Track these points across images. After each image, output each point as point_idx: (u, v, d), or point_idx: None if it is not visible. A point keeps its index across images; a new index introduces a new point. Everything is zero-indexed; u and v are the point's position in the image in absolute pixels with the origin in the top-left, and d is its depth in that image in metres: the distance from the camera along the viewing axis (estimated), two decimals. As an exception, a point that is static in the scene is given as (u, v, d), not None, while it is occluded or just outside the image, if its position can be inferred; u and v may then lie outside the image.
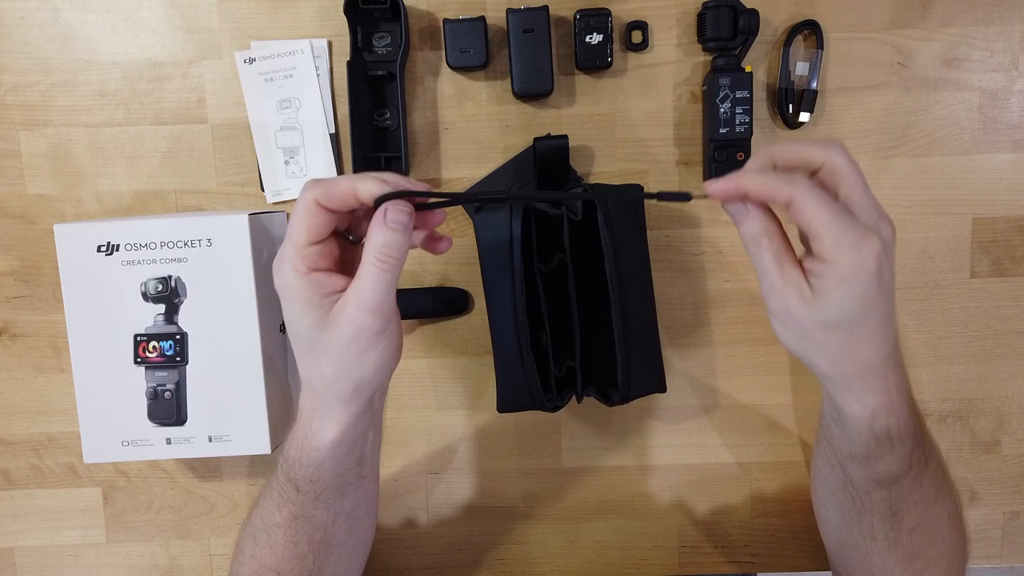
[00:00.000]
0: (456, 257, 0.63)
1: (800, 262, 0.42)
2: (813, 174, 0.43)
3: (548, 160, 0.59)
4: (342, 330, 0.43)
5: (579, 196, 0.56)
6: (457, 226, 0.63)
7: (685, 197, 0.45)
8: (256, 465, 0.65)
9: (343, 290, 0.43)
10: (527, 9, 0.58)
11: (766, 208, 0.43)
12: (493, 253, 0.55)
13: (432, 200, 0.45)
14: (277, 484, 0.49)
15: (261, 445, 0.56)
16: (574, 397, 0.58)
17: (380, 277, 0.42)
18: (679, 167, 0.62)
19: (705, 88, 0.60)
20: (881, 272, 0.40)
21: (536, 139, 0.59)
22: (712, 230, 0.63)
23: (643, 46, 0.61)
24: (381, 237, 0.42)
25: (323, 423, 0.45)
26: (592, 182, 0.62)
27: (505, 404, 0.56)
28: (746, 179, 0.42)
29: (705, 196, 0.43)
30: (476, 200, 0.52)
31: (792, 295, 0.42)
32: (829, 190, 0.42)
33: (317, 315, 0.43)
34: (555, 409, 0.57)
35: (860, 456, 0.47)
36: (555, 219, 0.56)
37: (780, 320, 0.44)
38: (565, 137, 0.58)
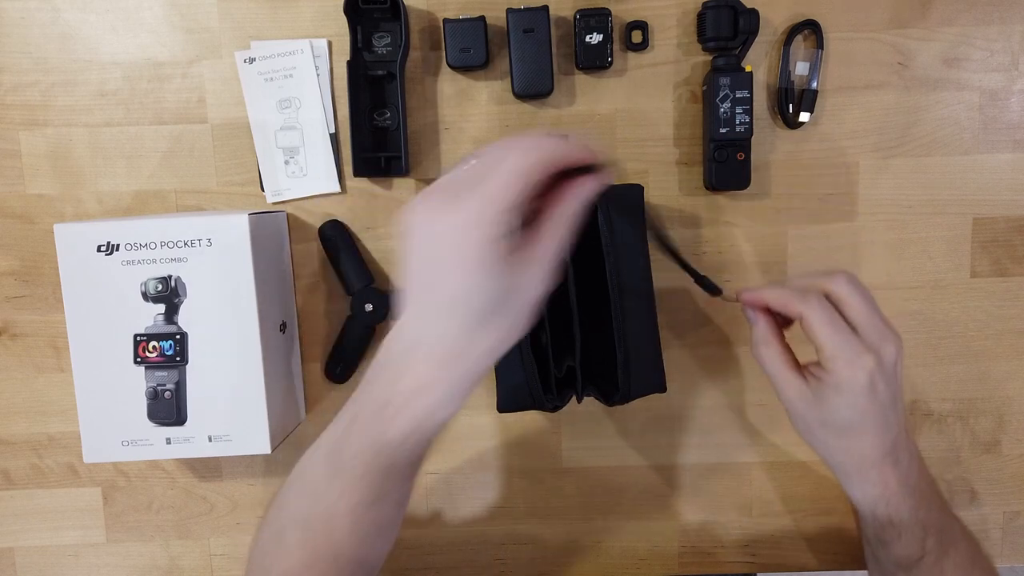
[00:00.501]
0: (456, 257, 0.63)
1: (806, 366, 0.50)
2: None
3: None
4: (522, 299, 0.40)
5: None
6: (457, 226, 0.63)
7: (717, 292, 0.57)
8: (256, 465, 0.65)
9: (514, 261, 0.40)
10: (527, 9, 0.58)
11: (776, 320, 0.52)
12: None
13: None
14: (350, 469, 0.42)
15: (261, 445, 0.56)
16: (574, 397, 0.58)
17: (560, 253, 0.41)
18: (679, 167, 0.62)
19: (705, 88, 0.60)
20: (874, 386, 0.47)
21: (536, 139, 0.59)
22: (712, 230, 0.63)
23: (643, 46, 0.61)
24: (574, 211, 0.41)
25: (452, 398, 0.41)
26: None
27: (505, 404, 0.56)
28: (767, 294, 0.51)
29: (736, 300, 0.53)
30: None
31: (793, 394, 0.50)
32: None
33: (502, 286, 0.39)
34: (555, 409, 0.57)
35: (874, 539, 0.53)
36: None
37: (789, 413, 0.51)
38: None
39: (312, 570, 0.44)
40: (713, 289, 0.57)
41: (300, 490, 0.46)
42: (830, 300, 0.49)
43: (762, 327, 0.52)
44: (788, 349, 0.51)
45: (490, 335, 0.40)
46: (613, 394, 0.56)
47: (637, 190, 0.57)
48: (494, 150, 0.41)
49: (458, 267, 0.39)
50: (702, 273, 0.57)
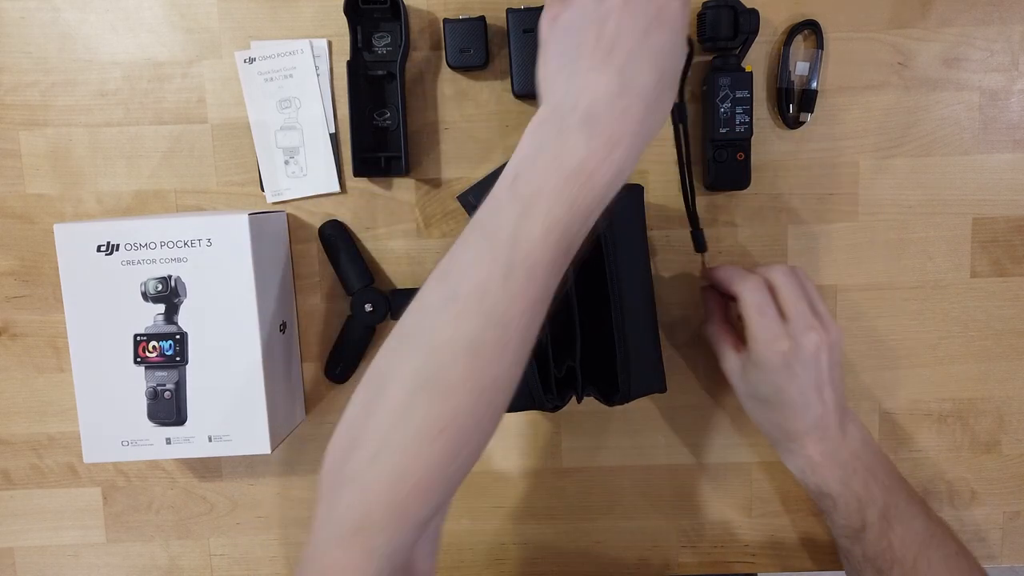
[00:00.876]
0: (456, 257, 0.63)
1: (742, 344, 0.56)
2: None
3: None
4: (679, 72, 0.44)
5: None
6: (457, 225, 0.63)
7: (703, 248, 0.62)
8: (256, 465, 0.65)
9: None
10: (527, 9, 0.58)
11: (724, 301, 0.60)
12: None
13: None
14: (527, 260, 0.39)
15: (261, 445, 0.56)
16: (574, 397, 0.58)
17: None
18: (679, 166, 0.62)
19: (705, 88, 0.60)
20: (790, 368, 0.53)
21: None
22: (712, 230, 0.63)
23: (643, 46, 0.61)
24: None
25: (643, 141, 0.42)
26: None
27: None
28: (717, 272, 0.58)
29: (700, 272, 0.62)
30: None
31: (728, 367, 0.58)
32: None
33: (682, 49, 0.44)
34: (555, 409, 0.57)
35: (820, 510, 0.59)
36: None
37: (732, 385, 0.58)
38: None
39: (480, 405, 0.39)
40: (701, 244, 0.62)
41: (455, 309, 0.40)
42: (771, 288, 0.55)
43: (711, 306, 0.60)
44: (730, 327, 0.59)
45: (668, 98, 0.43)
46: (613, 394, 0.56)
47: (637, 190, 0.57)
48: None
49: (665, 26, 0.41)
50: (700, 225, 0.62)
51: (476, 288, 0.39)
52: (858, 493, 0.55)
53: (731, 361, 0.57)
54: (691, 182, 0.61)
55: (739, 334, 0.58)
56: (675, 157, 0.62)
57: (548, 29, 0.44)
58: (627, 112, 0.40)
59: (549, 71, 0.44)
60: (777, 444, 0.59)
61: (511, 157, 0.42)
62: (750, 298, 0.54)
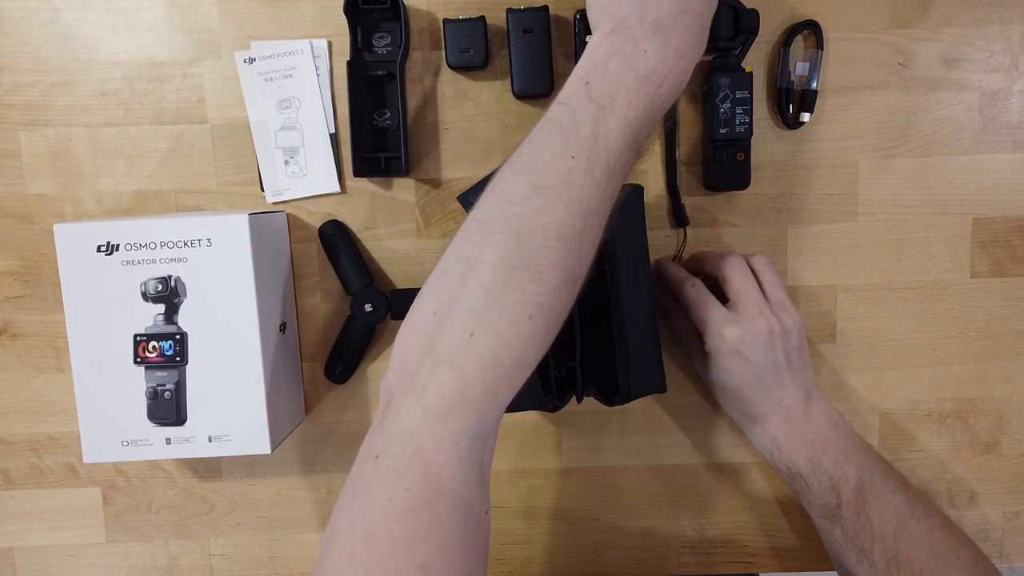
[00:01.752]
0: (456, 257, 0.63)
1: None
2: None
3: None
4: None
5: None
6: (457, 226, 0.63)
7: (684, 222, 0.63)
8: (256, 465, 0.65)
9: None
10: (527, 9, 0.58)
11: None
12: None
13: None
14: (605, 156, 0.43)
15: (261, 445, 0.56)
16: (574, 397, 0.58)
17: None
18: (679, 167, 0.62)
19: (705, 88, 0.60)
20: (740, 353, 0.55)
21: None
22: (712, 230, 0.63)
23: (643, 46, 0.61)
24: None
25: (698, 56, 0.47)
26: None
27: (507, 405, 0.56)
28: (665, 266, 0.60)
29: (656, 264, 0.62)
30: None
31: (693, 353, 0.60)
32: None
33: None
34: (555, 409, 0.57)
35: (795, 493, 0.59)
36: None
37: (703, 378, 0.61)
38: None
39: (566, 287, 0.42)
40: (683, 219, 0.62)
41: (542, 199, 0.42)
42: (721, 278, 0.57)
43: (669, 302, 0.61)
44: (689, 320, 0.59)
45: (709, 26, 0.47)
46: (613, 394, 0.56)
47: (637, 190, 0.57)
48: None
49: None
50: (682, 201, 0.62)
51: (561, 180, 0.42)
52: (828, 471, 0.56)
53: (694, 353, 0.60)
54: (675, 156, 0.62)
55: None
56: (675, 157, 0.62)
57: None
58: (689, 28, 0.45)
59: None
60: (744, 428, 0.60)
61: (575, 69, 0.45)
62: (693, 294, 0.57)
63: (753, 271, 0.58)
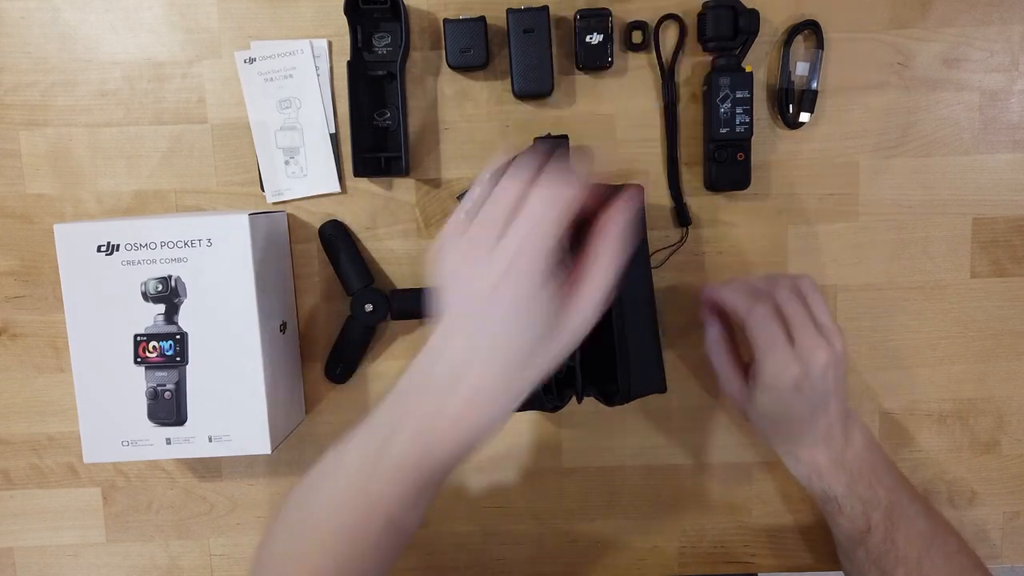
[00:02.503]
0: (456, 257, 0.63)
1: (748, 366, 0.58)
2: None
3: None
4: (570, 336, 0.43)
5: None
6: (457, 226, 0.63)
7: (687, 222, 0.62)
8: (256, 465, 0.65)
9: (565, 295, 0.42)
10: (527, 9, 0.58)
11: (727, 321, 0.60)
12: None
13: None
14: (389, 477, 0.43)
15: (261, 445, 0.56)
16: (574, 397, 0.58)
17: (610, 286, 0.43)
18: (679, 167, 0.62)
19: (705, 88, 0.60)
20: (800, 389, 0.54)
21: (536, 138, 0.59)
22: (712, 230, 0.63)
23: (643, 46, 0.61)
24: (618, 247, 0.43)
25: (506, 411, 0.43)
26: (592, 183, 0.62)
27: None
28: (723, 294, 0.57)
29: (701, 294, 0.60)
30: None
31: (734, 390, 0.59)
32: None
33: (547, 325, 0.42)
34: (555, 409, 0.57)
35: (823, 514, 0.59)
36: None
37: (735, 404, 0.60)
38: (566, 137, 0.58)
39: None
40: (686, 218, 0.62)
41: (324, 500, 0.45)
42: (775, 306, 0.55)
43: (714, 332, 0.60)
44: (735, 350, 0.60)
45: (535, 370, 0.42)
46: (613, 394, 0.56)
47: (636, 190, 0.57)
48: (508, 187, 0.42)
49: (509, 311, 0.41)
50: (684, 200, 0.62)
51: (339, 486, 0.45)
52: (863, 496, 0.56)
53: (735, 385, 0.59)
54: (677, 155, 0.62)
55: (740, 352, 0.60)
56: (675, 157, 0.62)
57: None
58: (478, 388, 0.42)
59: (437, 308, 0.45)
60: (783, 454, 0.60)
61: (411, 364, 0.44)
62: (759, 330, 0.55)
63: (799, 293, 0.56)
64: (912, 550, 0.55)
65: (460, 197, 0.56)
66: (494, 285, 0.41)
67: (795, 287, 0.56)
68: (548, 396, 0.56)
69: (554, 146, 0.58)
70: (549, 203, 0.41)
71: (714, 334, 0.60)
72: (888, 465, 0.58)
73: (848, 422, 0.57)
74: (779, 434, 0.59)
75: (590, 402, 0.59)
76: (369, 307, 0.60)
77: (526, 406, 0.56)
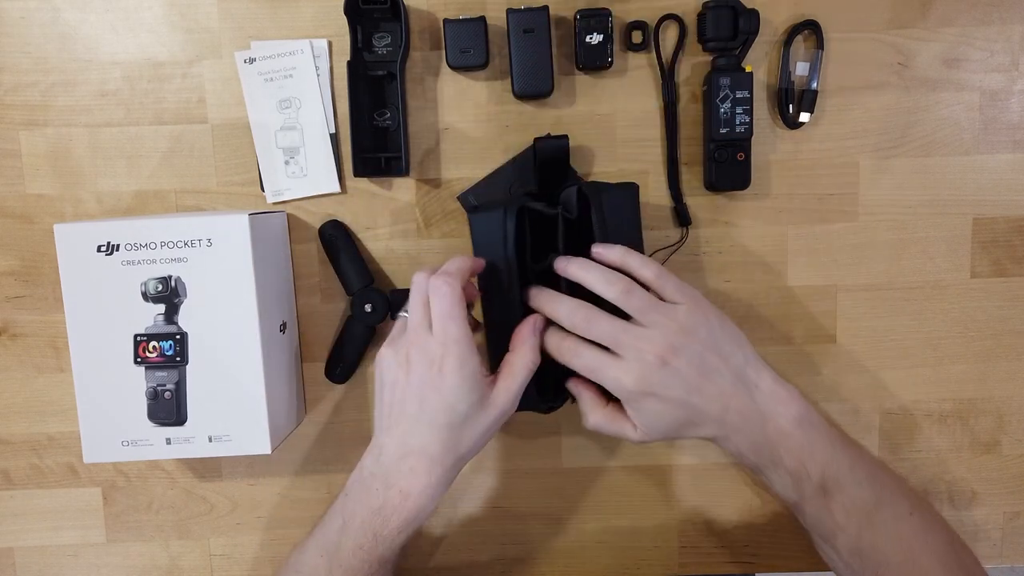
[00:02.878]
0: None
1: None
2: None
3: (548, 160, 0.59)
4: (497, 412, 0.51)
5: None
6: (457, 226, 0.63)
7: (687, 222, 0.61)
8: (256, 465, 0.65)
9: (482, 368, 0.51)
10: (527, 9, 0.58)
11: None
12: (488, 253, 0.55)
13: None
14: (347, 561, 0.51)
15: (261, 445, 0.56)
16: (571, 399, 0.58)
17: (530, 374, 0.51)
18: (679, 167, 0.62)
19: (705, 88, 0.60)
20: (651, 391, 0.50)
21: (536, 139, 0.59)
22: (712, 230, 0.63)
23: (643, 46, 0.61)
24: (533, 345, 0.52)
25: (436, 496, 0.50)
26: (593, 180, 0.62)
27: None
28: (545, 340, 0.54)
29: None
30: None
31: (628, 432, 0.53)
32: None
33: (480, 394, 0.50)
34: (549, 410, 0.57)
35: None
36: (550, 218, 0.56)
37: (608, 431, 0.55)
38: (565, 137, 0.58)
39: None
40: (686, 218, 0.62)
41: None
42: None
43: (587, 398, 0.55)
44: (606, 402, 0.55)
45: (468, 438, 0.50)
46: (609, 394, 0.56)
47: (632, 189, 0.57)
48: (416, 300, 0.52)
49: (454, 378, 0.49)
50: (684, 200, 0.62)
51: (309, 571, 0.53)
52: (791, 470, 0.53)
53: (629, 429, 0.53)
54: (677, 156, 0.61)
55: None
56: (675, 157, 0.62)
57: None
58: (414, 471, 0.50)
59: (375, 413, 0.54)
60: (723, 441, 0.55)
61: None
62: (578, 364, 0.52)
63: (617, 267, 0.52)
64: (851, 519, 0.52)
65: (460, 197, 0.56)
66: (421, 393, 0.50)
67: (605, 276, 0.52)
68: (543, 397, 0.56)
69: (554, 146, 0.58)
70: (440, 295, 0.50)
71: (587, 401, 0.55)
72: (824, 435, 0.54)
73: (759, 396, 0.53)
74: (682, 436, 0.54)
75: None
76: (369, 307, 0.60)
77: (521, 407, 0.56)
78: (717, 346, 0.52)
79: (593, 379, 0.52)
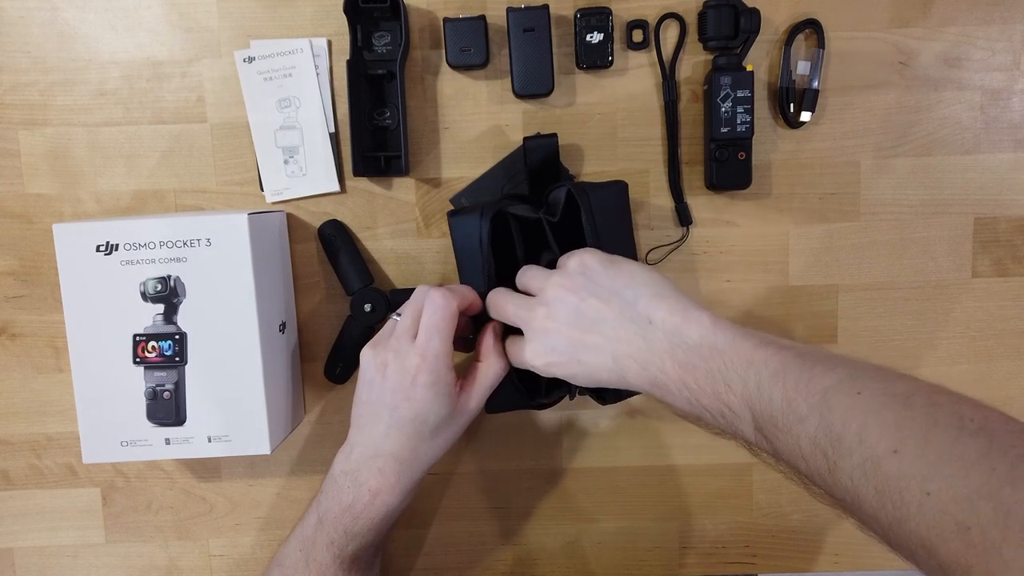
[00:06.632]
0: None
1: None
2: None
3: (538, 159, 0.59)
4: (465, 419, 0.53)
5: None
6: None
7: (688, 221, 0.61)
8: (256, 465, 0.65)
9: (455, 383, 0.52)
10: (527, 8, 0.58)
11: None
12: (467, 254, 0.56)
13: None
14: (321, 557, 0.52)
15: (261, 445, 0.56)
16: (567, 396, 0.58)
17: (498, 380, 0.54)
18: (680, 166, 0.62)
19: (706, 87, 0.60)
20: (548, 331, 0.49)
21: (526, 138, 0.59)
22: (712, 230, 0.63)
23: (644, 45, 0.61)
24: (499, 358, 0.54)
25: (405, 496, 0.52)
26: (583, 180, 0.62)
27: (492, 404, 0.56)
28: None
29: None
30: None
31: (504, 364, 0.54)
32: None
33: (450, 409, 0.52)
34: (542, 407, 0.57)
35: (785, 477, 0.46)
36: (535, 222, 0.57)
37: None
38: (555, 136, 0.58)
39: None
40: (687, 218, 0.62)
41: None
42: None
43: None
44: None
45: (436, 446, 0.53)
46: (605, 392, 0.56)
47: (621, 186, 0.57)
48: (411, 306, 0.53)
49: (427, 388, 0.50)
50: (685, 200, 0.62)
51: (290, 568, 0.54)
52: (711, 410, 0.44)
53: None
54: (678, 155, 0.61)
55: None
56: (676, 156, 0.62)
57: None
58: (383, 471, 0.51)
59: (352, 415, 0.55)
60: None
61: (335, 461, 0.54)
62: (513, 358, 0.53)
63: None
64: (811, 461, 0.40)
65: (453, 199, 0.56)
66: (394, 402, 0.51)
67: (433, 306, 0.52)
68: (535, 394, 0.56)
69: (544, 145, 0.58)
70: (434, 310, 0.51)
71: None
72: (739, 359, 0.43)
73: (653, 332, 0.46)
74: (606, 387, 0.50)
75: (591, 402, 0.59)
76: (369, 307, 0.60)
77: (507, 406, 0.56)
78: (597, 292, 0.47)
79: (513, 320, 0.52)
